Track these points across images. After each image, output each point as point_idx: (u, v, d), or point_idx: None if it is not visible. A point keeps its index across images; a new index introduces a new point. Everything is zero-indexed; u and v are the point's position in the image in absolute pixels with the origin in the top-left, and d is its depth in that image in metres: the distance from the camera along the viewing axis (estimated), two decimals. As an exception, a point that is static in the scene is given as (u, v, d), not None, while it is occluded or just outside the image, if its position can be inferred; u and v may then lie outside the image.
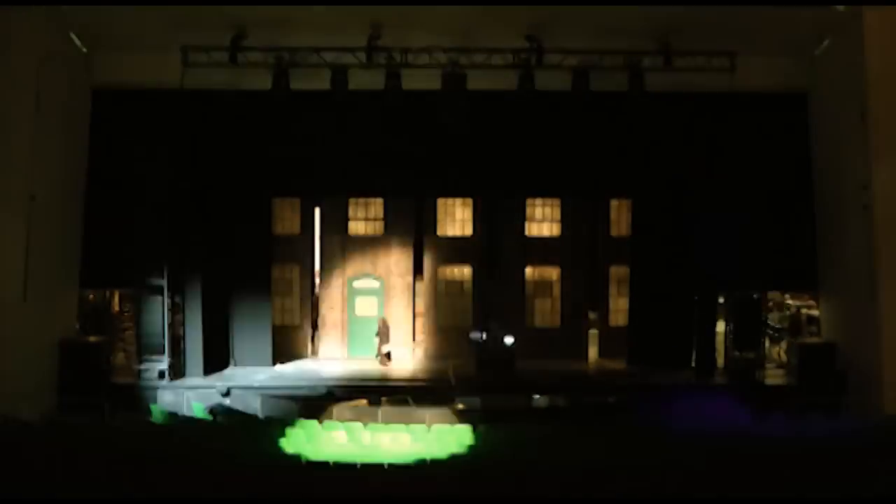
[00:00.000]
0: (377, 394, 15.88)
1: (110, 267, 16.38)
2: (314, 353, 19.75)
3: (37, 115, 14.21)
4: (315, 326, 20.11)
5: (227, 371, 17.22)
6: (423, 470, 9.30)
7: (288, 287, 19.89)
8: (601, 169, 17.90)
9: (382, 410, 14.16)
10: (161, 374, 15.81)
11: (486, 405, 15.36)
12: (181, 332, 16.58)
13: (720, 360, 17.04)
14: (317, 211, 20.23)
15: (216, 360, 17.01)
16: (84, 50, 15.85)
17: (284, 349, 18.80)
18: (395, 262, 20.32)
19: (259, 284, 18.01)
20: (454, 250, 20.49)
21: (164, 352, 15.98)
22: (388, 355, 18.81)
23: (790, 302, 18.34)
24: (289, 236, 19.86)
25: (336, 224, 20.26)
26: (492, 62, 15.78)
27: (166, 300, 16.20)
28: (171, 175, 16.44)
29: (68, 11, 14.65)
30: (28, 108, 14.09)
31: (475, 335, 17.72)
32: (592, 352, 19.11)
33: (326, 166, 17.44)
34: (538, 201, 20.50)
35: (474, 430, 11.54)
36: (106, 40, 15.67)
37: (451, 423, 12.74)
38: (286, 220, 20.00)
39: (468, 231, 20.52)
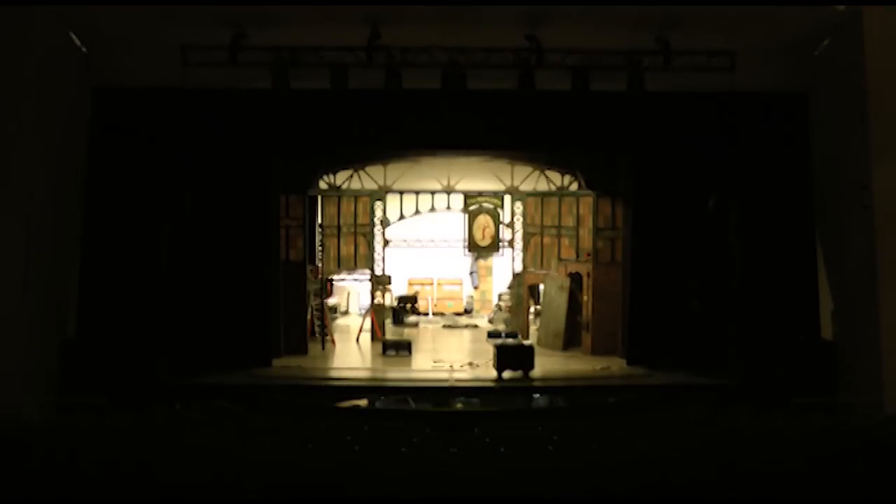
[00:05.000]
0: (376, 394, 15.91)
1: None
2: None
3: (37, 115, 14.22)
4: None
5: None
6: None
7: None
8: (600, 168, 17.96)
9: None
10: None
11: (486, 405, 15.42)
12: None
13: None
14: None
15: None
16: (84, 50, 15.84)
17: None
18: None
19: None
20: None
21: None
22: None
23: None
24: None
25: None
26: (492, 62, 15.83)
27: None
28: (171, 174, 16.45)
29: (68, 11, 14.64)
30: (28, 108, 14.08)
31: (494, 335, 17.83)
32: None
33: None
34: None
35: (475, 430, 11.55)
36: (106, 40, 15.65)
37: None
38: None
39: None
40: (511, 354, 16.99)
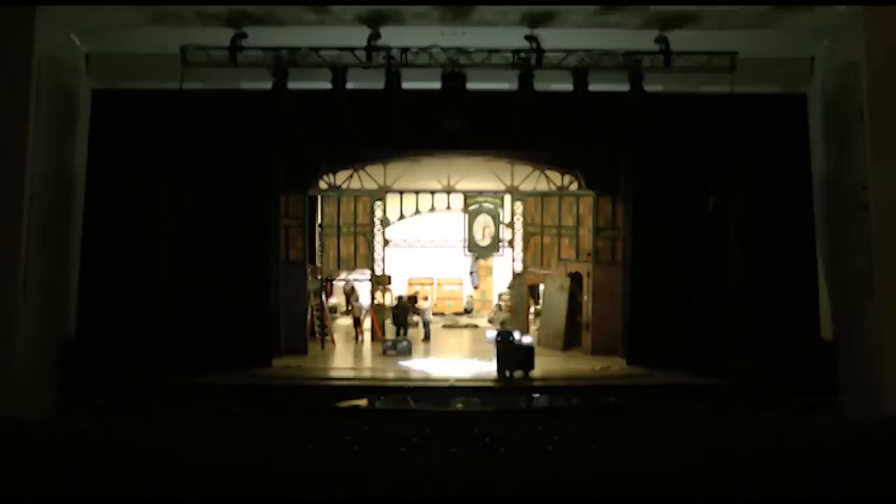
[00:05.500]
0: (376, 394, 15.91)
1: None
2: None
3: (37, 114, 14.22)
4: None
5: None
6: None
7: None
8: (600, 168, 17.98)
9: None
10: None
11: (486, 405, 15.42)
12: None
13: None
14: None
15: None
16: (84, 50, 15.85)
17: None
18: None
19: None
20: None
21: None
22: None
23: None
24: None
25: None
26: (492, 62, 15.84)
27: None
28: (171, 174, 16.45)
29: (68, 11, 14.65)
30: (28, 108, 14.09)
31: (492, 335, 17.80)
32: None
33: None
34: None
35: (474, 431, 11.53)
36: (106, 40, 15.66)
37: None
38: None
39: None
40: (512, 354, 16.98)
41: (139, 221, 16.40)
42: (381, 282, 22.07)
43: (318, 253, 21.85)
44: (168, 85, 15.68)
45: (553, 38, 15.58)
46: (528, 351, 17.13)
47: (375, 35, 15.50)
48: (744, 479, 8.39)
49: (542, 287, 22.32)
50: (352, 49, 15.64)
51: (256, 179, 17.57)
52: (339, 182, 21.55)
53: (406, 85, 15.98)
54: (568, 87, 15.99)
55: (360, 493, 8.15)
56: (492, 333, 17.84)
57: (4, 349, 13.57)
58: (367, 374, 17.77)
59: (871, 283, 14.42)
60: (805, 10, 14.58)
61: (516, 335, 17.35)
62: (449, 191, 22.06)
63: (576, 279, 20.47)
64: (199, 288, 16.71)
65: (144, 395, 14.32)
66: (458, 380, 16.79)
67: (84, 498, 7.62)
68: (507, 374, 16.71)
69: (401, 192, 22.14)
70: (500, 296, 26.03)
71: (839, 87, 15.47)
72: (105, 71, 16.03)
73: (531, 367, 16.87)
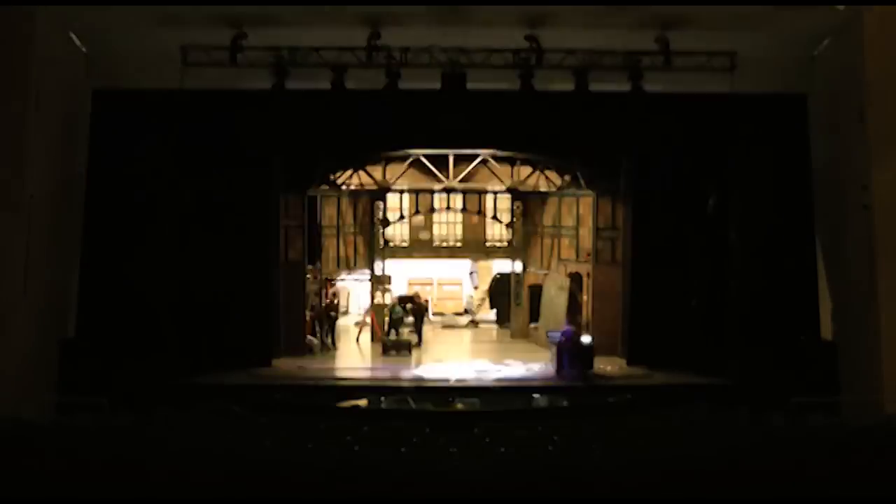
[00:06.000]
0: (376, 393, 15.91)
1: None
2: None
3: (37, 115, 14.22)
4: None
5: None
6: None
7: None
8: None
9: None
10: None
11: (487, 405, 15.43)
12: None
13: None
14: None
15: None
16: (84, 50, 15.85)
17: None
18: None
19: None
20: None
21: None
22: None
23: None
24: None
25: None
26: (492, 62, 15.86)
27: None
28: (171, 174, 16.45)
29: (68, 11, 14.65)
30: (28, 108, 14.10)
31: (553, 334, 17.83)
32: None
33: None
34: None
35: (475, 430, 11.55)
36: (106, 40, 15.66)
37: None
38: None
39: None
40: (575, 353, 17.04)
41: (139, 221, 16.38)
42: (381, 282, 22.08)
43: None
44: (168, 85, 15.70)
45: (553, 38, 15.59)
46: (589, 350, 17.24)
47: (375, 35, 15.51)
48: (744, 479, 8.39)
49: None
50: (352, 49, 15.66)
51: (256, 179, 17.56)
52: (339, 182, 21.57)
53: (406, 85, 15.99)
54: (568, 87, 16.01)
55: (360, 492, 8.14)
56: (554, 333, 17.86)
57: (4, 349, 13.56)
58: (366, 374, 17.76)
59: (871, 283, 14.42)
60: (805, 10, 14.59)
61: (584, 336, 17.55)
62: (449, 191, 22.06)
63: (576, 279, 20.46)
64: (199, 287, 16.71)
65: (144, 395, 14.31)
66: (457, 380, 16.79)
67: (84, 498, 7.62)
68: (572, 372, 16.83)
69: (401, 193, 22.16)
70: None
71: (839, 87, 15.47)
72: (105, 71, 16.02)
73: (590, 365, 16.99)
